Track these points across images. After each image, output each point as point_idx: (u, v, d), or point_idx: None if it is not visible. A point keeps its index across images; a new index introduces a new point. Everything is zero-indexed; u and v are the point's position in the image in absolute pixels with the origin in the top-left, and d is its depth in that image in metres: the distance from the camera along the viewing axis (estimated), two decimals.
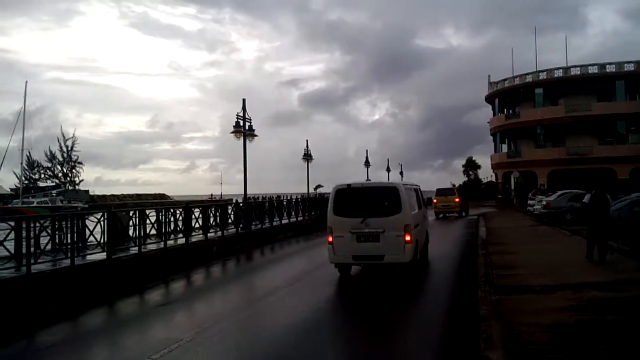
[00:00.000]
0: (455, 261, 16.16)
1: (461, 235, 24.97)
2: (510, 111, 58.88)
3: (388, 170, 62.11)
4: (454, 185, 65.55)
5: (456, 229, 28.56)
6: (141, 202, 72.43)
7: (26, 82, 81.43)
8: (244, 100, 24.07)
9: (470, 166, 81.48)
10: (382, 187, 14.42)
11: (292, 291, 12.30)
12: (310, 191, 42.41)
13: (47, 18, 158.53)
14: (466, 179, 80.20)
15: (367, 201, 13.24)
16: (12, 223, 11.35)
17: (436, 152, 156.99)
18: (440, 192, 38.62)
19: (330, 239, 13.31)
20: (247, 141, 23.76)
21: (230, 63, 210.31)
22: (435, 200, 35.75)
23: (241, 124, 23.51)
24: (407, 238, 12.67)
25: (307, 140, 39.08)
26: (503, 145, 61.76)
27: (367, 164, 53.91)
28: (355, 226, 12.86)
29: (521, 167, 54.34)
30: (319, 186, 63.40)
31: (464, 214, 38.82)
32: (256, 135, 24.34)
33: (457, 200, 38.30)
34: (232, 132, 23.50)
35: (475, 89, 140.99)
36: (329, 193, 14.82)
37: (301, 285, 13.00)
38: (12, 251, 11.06)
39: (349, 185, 13.61)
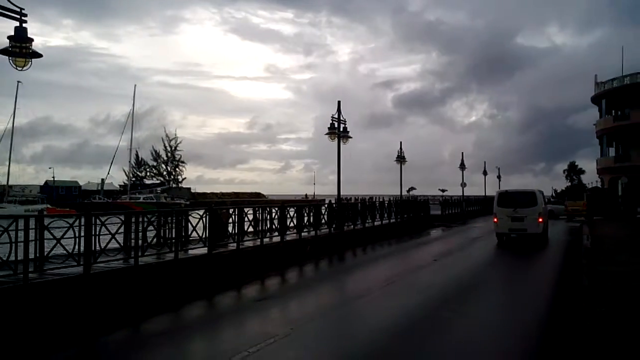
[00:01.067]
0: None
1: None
2: (619, 113, 55.14)
3: (485, 173, 60.26)
4: (555, 191, 62.41)
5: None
6: (238, 200, 74.87)
7: (135, 85, 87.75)
8: (339, 102, 24.27)
9: (573, 171, 77.34)
10: (525, 191, 24.09)
11: (385, 293, 12.25)
12: (403, 193, 42.02)
13: (155, 25, 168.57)
14: (569, 183, 76.16)
15: (517, 199, 23.18)
16: (122, 217, 12.21)
17: (537, 155, 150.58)
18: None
19: (495, 219, 23.47)
20: (342, 143, 23.92)
21: (325, 65, 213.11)
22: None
23: (336, 125, 23.70)
24: (540, 220, 22.57)
25: (400, 142, 38.72)
26: (610, 148, 57.99)
27: (462, 166, 52.53)
28: (510, 213, 22.65)
29: (630, 173, 50.73)
30: (412, 188, 62.78)
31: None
32: (350, 137, 24.45)
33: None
34: (327, 134, 23.73)
35: (580, 89, 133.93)
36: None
37: (394, 288, 12.92)
38: (122, 244, 11.87)
39: (506, 190, 25.07)
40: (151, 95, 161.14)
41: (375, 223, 27.53)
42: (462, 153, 53.77)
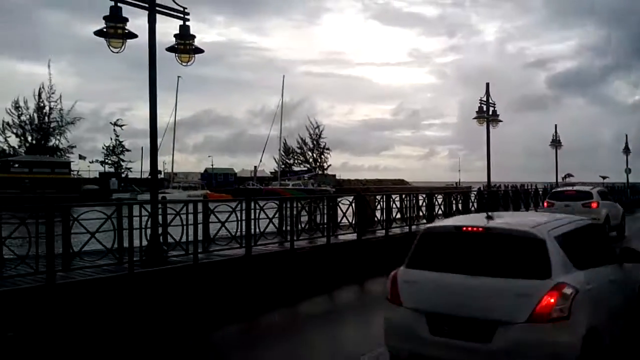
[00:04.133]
0: None
1: None
2: None
3: None
4: None
5: None
6: (381, 187, 75.16)
7: (283, 76, 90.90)
8: (487, 85, 23.31)
9: None
10: (581, 190, 20.94)
11: None
12: (558, 180, 39.37)
13: (300, 17, 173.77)
14: None
15: (572, 195, 19.96)
16: (277, 203, 12.83)
17: None
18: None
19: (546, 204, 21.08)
20: (491, 127, 22.94)
21: (470, 46, 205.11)
22: None
23: (484, 109, 22.77)
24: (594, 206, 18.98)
25: (555, 125, 36.25)
26: None
27: (626, 150, 47.89)
28: (561, 206, 18.81)
29: None
30: (568, 175, 58.58)
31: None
32: (500, 121, 23.40)
33: None
34: (475, 118, 22.89)
35: None
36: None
37: None
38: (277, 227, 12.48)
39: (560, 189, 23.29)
40: (297, 85, 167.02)
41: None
42: (626, 135, 49.00)
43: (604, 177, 58.91)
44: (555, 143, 36.27)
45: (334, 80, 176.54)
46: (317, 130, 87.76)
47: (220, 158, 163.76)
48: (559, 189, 23.55)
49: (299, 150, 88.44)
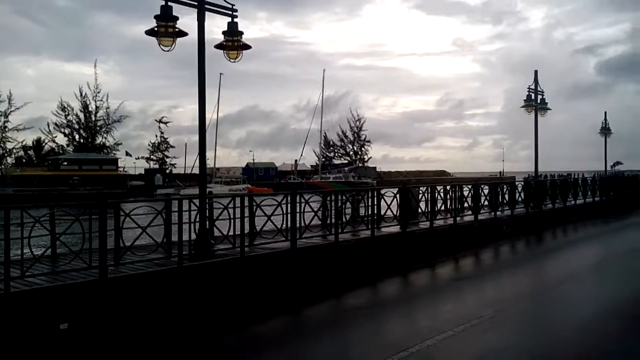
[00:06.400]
0: None
1: None
2: None
3: None
4: None
5: None
6: (422, 179, 74.44)
7: (324, 70, 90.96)
8: (535, 72, 22.75)
9: None
10: None
11: (595, 279, 11.32)
12: (607, 169, 38.15)
13: (341, 10, 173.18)
14: None
15: None
16: (320, 196, 12.84)
17: None
18: None
19: None
20: (539, 115, 22.38)
21: (516, 34, 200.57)
22: None
23: (532, 97, 22.22)
24: None
25: (605, 113, 35.07)
26: None
27: None
28: None
29: None
30: (617, 163, 56.75)
31: None
32: (549, 109, 22.81)
33: None
34: (523, 107, 22.37)
35: None
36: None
37: (605, 274, 11.83)
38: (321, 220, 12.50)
39: None
40: (339, 78, 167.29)
41: (577, 202, 25.37)
42: None
43: None
44: (605, 130, 35.14)
45: (376, 73, 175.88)
46: (357, 123, 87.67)
47: (262, 153, 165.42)
48: None
49: (339, 143, 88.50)
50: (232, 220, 10.01)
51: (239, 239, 9.77)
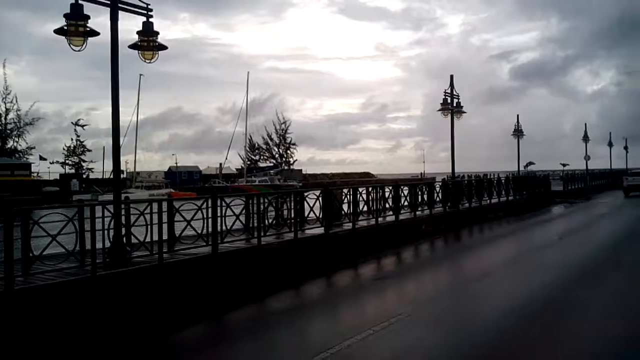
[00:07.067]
0: None
1: None
2: None
3: (610, 145, 56.20)
4: None
5: None
6: (348, 181, 75.38)
7: (248, 72, 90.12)
8: (451, 77, 23.58)
9: None
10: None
11: (508, 274, 11.85)
12: (520, 169, 40.17)
13: (265, 12, 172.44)
14: None
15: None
16: (243, 199, 12.72)
17: None
18: None
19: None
20: (455, 118, 23.25)
21: (435, 40, 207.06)
22: None
23: (449, 100, 23.05)
24: None
25: (517, 116, 37.00)
26: None
27: (585, 138, 49.34)
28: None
29: None
30: (530, 163, 59.87)
31: None
32: (464, 112, 23.75)
33: None
34: (440, 110, 23.18)
35: None
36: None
37: (518, 268, 12.43)
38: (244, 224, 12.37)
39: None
40: (264, 81, 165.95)
41: (492, 201, 26.54)
42: (585, 124, 50.60)
43: (564, 165, 60.43)
44: (517, 133, 37.03)
45: (301, 76, 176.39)
46: (283, 126, 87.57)
47: (186, 156, 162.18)
48: (634, 170, 39.49)
49: (264, 146, 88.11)
50: (149, 226, 9.72)
51: (157, 246, 9.51)
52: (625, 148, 61.04)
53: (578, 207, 30.93)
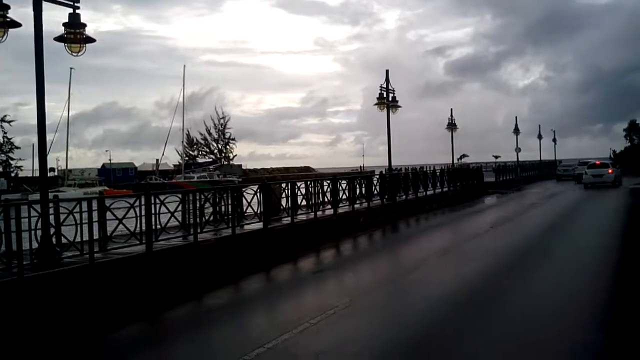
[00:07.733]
0: None
1: None
2: None
3: (540, 137, 58.71)
4: (614, 152, 60.31)
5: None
6: (288, 175, 75.47)
7: (184, 66, 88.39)
8: (387, 72, 23.97)
9: (634, 130, 73.94)
10: (603, 162, 37.05)
11: (442, 263, 12.20)
12: (454, 161, 41.37)
13: (201, 5, 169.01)
14: (629, 144, 72.93)
15: (598, 166, 36.25)
16: (179, 196, 12.51)
17: (595, 116, 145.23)
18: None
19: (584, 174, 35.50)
20: (391, 112, 23.67)
21: (372, 35, 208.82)
22: None
23: (384, 95, 23.43)
24: (610, 172, 34.91)
25: (451, 109, 38.05)
26: None
27: (516, 131, 51.35)
28: (593, 172, 34.91)
29: None
30: (463, 156, 61.74)
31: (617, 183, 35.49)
32: (399, 106, 24.21)
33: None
34: (376, 104, 23.52)
35: None
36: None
37: (451, 257, 12.82)
38: (180, 221, 12.16)
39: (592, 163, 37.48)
40: (202, 75, 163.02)
41: (428, 192, 27.23)
42: (516, 117, 52.41)
43: (496, 157, 62.74)
44: (451, 126, 38.10)
45: (239, 70, 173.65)
46: (222, 121, 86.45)
47: (121, 152, 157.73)
48: (591, 162, 38.14)
49: (203, 142, 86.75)
50: (79, 226, 9.41)
51: (88, 245, 9.22)
52: (554, 140, 64.13)
53: (509, 197, 32.19)
